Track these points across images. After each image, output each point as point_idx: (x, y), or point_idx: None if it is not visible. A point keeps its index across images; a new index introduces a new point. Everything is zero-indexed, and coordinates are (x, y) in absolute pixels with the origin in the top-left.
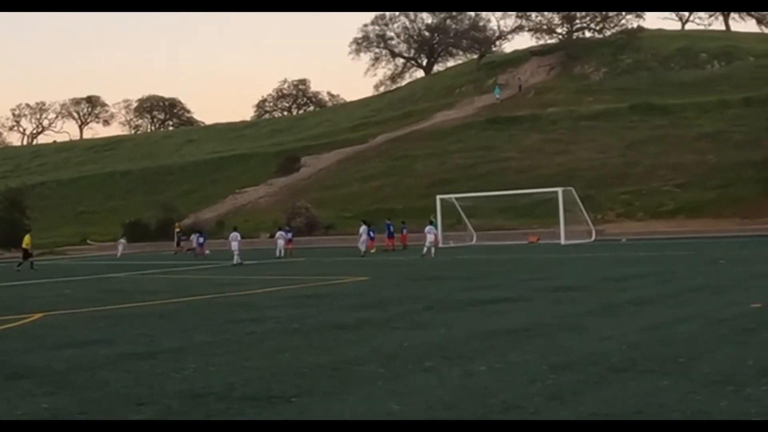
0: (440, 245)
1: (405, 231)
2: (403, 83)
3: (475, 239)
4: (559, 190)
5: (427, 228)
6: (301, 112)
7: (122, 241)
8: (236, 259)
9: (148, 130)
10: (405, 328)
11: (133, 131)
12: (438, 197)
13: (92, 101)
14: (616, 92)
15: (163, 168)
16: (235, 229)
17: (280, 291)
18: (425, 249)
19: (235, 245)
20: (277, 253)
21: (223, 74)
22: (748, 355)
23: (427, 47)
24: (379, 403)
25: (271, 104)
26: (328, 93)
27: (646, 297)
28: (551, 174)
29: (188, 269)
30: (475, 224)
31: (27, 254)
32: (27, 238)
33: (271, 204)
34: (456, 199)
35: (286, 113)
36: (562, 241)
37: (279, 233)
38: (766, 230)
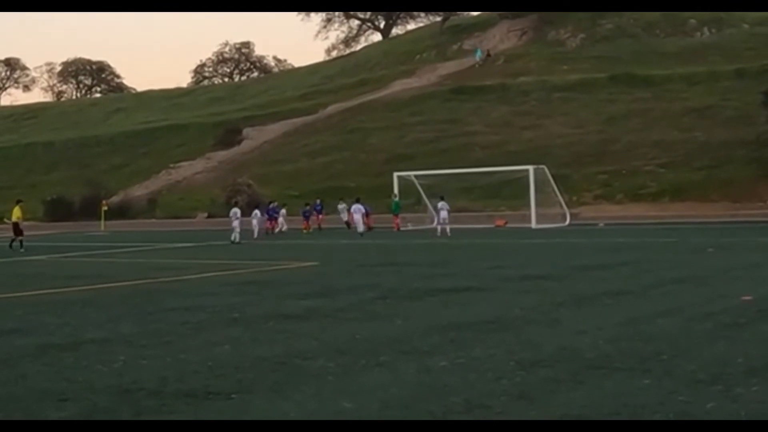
0: (401, 228)
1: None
2: (358, 48)
3: (436, 222)
4: (530, 168)
5: (440, 204)
6: (243, 78)
7: (256, 212)
8: (235, 237)
9: (74, 97)
10: (357, 319)
11: (56, 98)
12: (395, 174)
13: (11, 64)
14: (594, 61)
15: (89, 139)
16: (235, 205)
17: (217, 277)
18: (439, 228)
19: (236, 223)
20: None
21: (158, 35)
22: (737, 352)
23: (375, 11)
24: (329, 402)
25: (211, 69)
26: (274, 57)
27: (624, 288)
28: (521, 150)
29: (116, 252)
30: (437, 205)
31: (18, 230)
32: (17, 210)
33: (209, 180)
34: (415, 176)
35: (227, 80)
36: (533, 225)
37: (355, 206)
38: (758, 216)
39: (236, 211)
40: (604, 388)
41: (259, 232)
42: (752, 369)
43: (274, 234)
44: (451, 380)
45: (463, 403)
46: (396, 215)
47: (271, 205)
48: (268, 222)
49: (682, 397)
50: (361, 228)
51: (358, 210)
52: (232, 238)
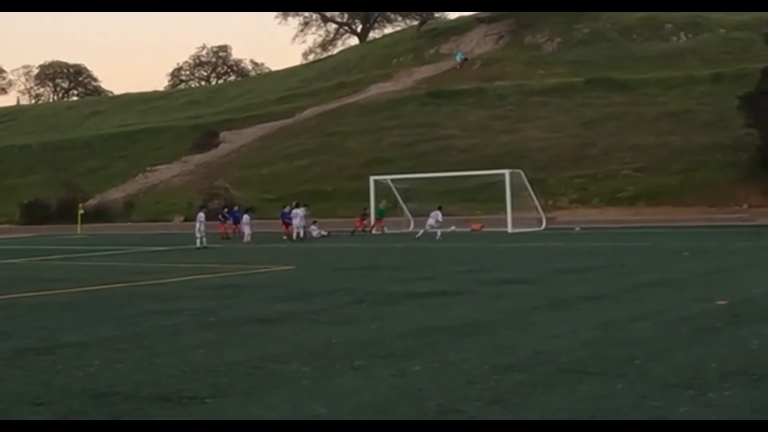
0: (374, 232)
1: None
2: (336, 51)
3: (412, 225)
4: (507, 172)
5: (433, 213)
6: (220, 81)
7: (246, 217)
8: (200, 241)
9: (51, 100)
10: (332, 323)
11: (33, 101)
12: (372, 178)
13: None
14: (571, 65)
15: (66, 142)
16: (201, 209)
17: (194, 280)
18: (421, 231)
19: (201, 227)
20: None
21: (135, 39)
22: (710, 357)
23: (363, 12)
24: (303, 406)
25: (188, 73)
26: (252, 61)
27: (600, 292)
28: (498, 154)
29: (93, 256)
30: (413, 209)
31: None
32: None
33: (186, 184)
34: (392, 180)
35: (204, 83)
36: (509, 229)
37: (295, 211)
38: (734, 220)
39: (201, 215)
40: (578, 392)
41: (251, 236)
42: (726, 374)
43: (229, 238)
44: (426, 385)
45: (436, 407)
46: (379, 219)
47: (225, 210)
48: (229, 225)
49: (655, 402)
50: (300, 234)
51: (296, 215)
52: (198, 243)
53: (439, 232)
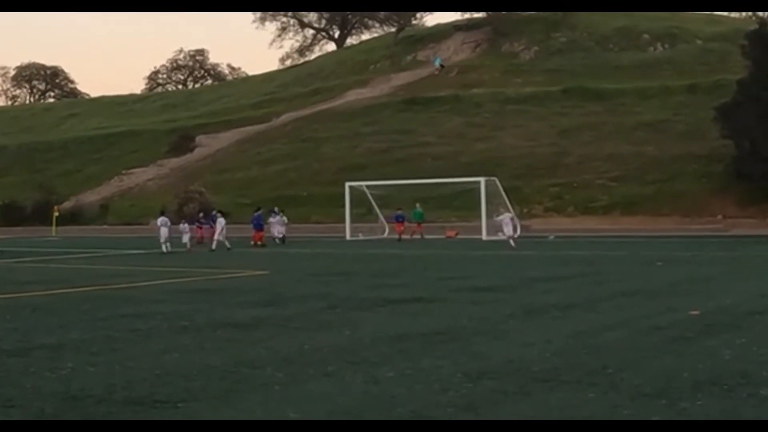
0: (348, 238)
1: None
2: (313, 57)
3: (387, 232)
4: (482, 180)
5: (505, 218)
6: (197, 85)
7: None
8: (165, 247)
9: (27, 102)
10: (306, 329)
11: (9, 102)
12: (347, 184)
13: None
14: (547, 74)
15: (42, 144)
16: (162, 213)
17: (168, 284)
18: (511, 241)
19: (164, 230)
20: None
21: (112, 41)
22: (683, 366)
23: (340, 18)
24: (275, 411)
25: (165, 76)
26: (229, 65)
27: (573, 301)
28: (473, 162)
29: (68, 258)
30: (388, 215)
31: None
32: None
33: (162, 187)
34: (367, 187)
35: (180, 86)
36: (484, 237)
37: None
38: (708, 230)
39: (164, 219)
40: (550, 400)
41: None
42: (698, 383)
43: (203, 243)
44: (398, 391)
45: (409, 414)
46: (419, 223)
47: (201, 215)
48: (206, 230)
49: (626, 411)
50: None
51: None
52: (164, 249)
53: (512, 241)
